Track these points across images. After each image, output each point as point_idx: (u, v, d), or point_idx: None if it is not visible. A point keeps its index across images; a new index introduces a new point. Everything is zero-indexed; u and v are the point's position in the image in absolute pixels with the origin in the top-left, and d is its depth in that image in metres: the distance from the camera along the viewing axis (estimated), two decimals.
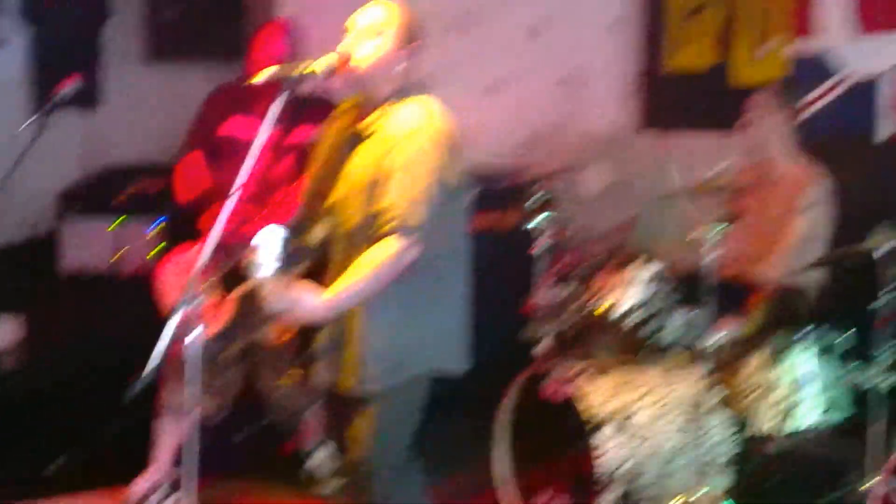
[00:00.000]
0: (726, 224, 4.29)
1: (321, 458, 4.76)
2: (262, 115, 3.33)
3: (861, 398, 4.32)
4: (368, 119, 3.46)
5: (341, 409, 3.56)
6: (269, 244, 3.24)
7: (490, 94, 6.64)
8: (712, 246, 4.17)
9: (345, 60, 3.42)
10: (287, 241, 3.28)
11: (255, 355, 4.61)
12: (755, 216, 4.94)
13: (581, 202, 5.96)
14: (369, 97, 3.47)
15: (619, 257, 4.56)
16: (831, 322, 4.51)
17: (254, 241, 3.25)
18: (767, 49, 5.80)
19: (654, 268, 4.50)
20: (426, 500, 3.62)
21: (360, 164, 3.45)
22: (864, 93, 5.36)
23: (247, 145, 3.33)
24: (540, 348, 4.53)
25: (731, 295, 4.78)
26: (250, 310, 3.96)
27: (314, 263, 3.59)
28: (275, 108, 3.29)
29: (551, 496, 4.42)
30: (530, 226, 4.95)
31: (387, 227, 3.32)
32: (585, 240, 5.31)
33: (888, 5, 5.28)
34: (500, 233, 5.74)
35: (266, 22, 5.16)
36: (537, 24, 6.65)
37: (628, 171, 6.16)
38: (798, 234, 4.80)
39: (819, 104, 5.53)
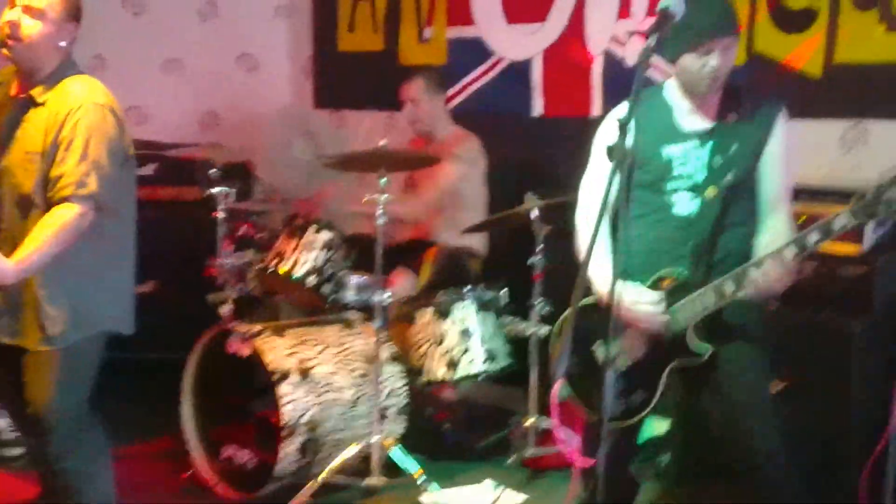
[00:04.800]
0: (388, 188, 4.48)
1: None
2: None
3: (522, 347, 4.70)
4: (35, 90, 3.52)
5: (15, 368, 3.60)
6: None
7: (165, 73, 6.71)
8: (383, 211, 4.38)
9: (6, 33, 3.48)
10: None
11: None
12: (421, 183, 5.36)
13: (260, 175, 6.14)
14: (32, 69, 3.54)
15: (296, 224, 4.76)
16: (493, 278, 4.89)
17: None
18: (430, 34, 6.20)
19: (329, 234, 4.70)
20: (106, 457, 3.74)
21: (31, 132, 3.50)
22: (518, 75, 5.82)
23: None
24: (223, 309, 4.66)
25: (408, 253, 5.13)
26: None
27: None
28: None
29: (236, 448, 4.59)
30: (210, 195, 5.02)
31: (64, 193, 3.41)
32: (267, 209, 5.52)
33: (528, 1, 5.78)
34: (186, 203, 5.83)
35: None
36: (207, 6, 6.79)
37: (304, 146, 6.40)
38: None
39: (478, 84, 5.96)
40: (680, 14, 3.03)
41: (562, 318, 3.64)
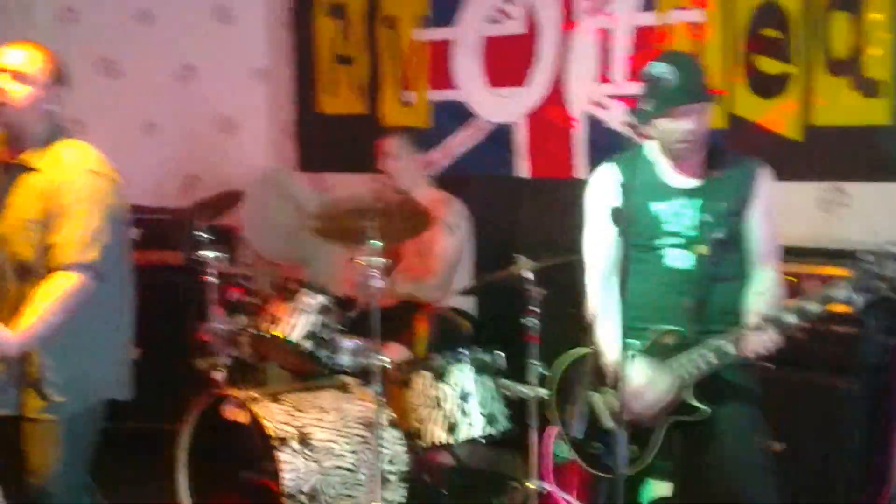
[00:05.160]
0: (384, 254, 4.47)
1: None
2: None
3: (520, 409, 4.69)
4: (27, 155, 3.57)
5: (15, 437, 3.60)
6: None
7: (144, 136, 6.74)
8: (373, 274, 4.38)
9: None
10: None
11: None
12: (406, 246, 5.41)
13: (248, 238, 6.17)
14: (20, 134, 3.59)
15: (289, 287, 4.77)
16: (487, 341, 4.90)
17: None
18: (412, 97, 6.29)
19: (322, 297, 4.74)
20: None
21: (26, 199, 3.54)
22: (502, 137, 5.93)
23: None
24: (216, 375, 4.67)
25: (399, 317, 5.16)
26: None
27: None
28: None
29: None
30: (197, 260, 5.03)
31: (65, 261, 3.44)
32: (254, 272, 5.55)
33: (509, 66, 5.90)
34: (168, 268, 5.84)
35: None
36: (187, 69, 6.84)
37: (286, 209, 6.45)
38: (441, 256, 5.30)
39: (462, 147, 6.06)
40: (674, 81, 3.19)
41: (551, 374, 3.75)
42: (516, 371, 4.73)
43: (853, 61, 4.69)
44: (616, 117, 5.45)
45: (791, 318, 3.22)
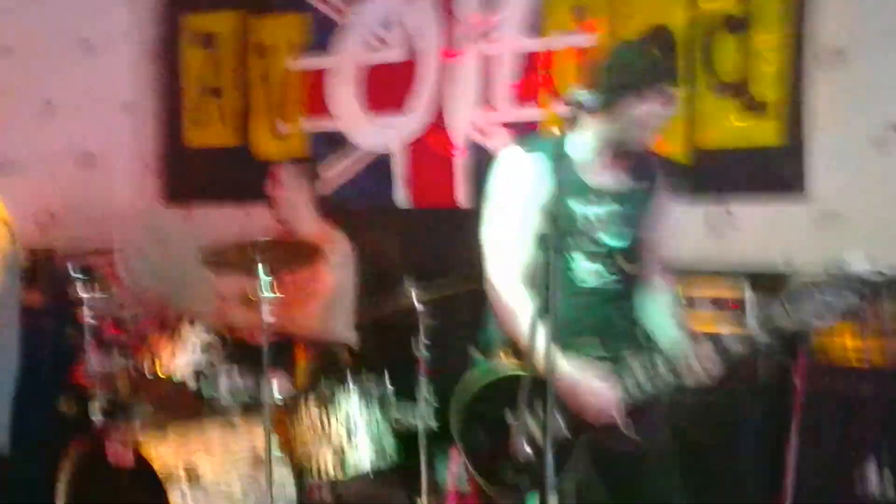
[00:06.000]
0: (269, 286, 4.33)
1: None
2: None
3: (412, 439, 4.57)
4: None
5: None
6: None
7: (3, 175, 6.43)
8: (257, 307, 4.25)
9: None
10: None
11: None
12: (291, 278, 5.24)
13: (118, 276, 5.91)
14: None
15: (167, 323, 4.60)
16: (370, 372, 4.74)
17: None
18: (288, 127, 6.13)
19: (204, 333, 4.57)
20: None
21: None
22: (382, 167, 5.81)
23: None
24: (95, 417, 4.43)
25: (280, 351, 4.98)
26: None
27: None
28: None
29: None
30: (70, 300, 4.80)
31: None
32: (129, 310, 5.30)
33: (389, 94, 5.81)
34: (30, 310, 5.54)
35: None
36: (47, 104, 6.55)
37: (158, 243, 6.22)
38: (325, 288, 5.15)
39: (342, 178, 5.92)
40: (594, 108, 3.01)
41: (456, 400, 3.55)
42: (404, 402, 4.61)
43: (741, 83, 4.74)
44: (501, 144, 5.39)
45: (737, 346, 3.12)
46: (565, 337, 3.09)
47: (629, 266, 3.28)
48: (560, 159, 3.17)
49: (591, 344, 3.25)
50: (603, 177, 3.30)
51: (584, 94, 2.94)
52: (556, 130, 3.25)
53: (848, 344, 4.16)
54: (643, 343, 3.27)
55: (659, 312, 3.40)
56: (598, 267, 3.27)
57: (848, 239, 4.46)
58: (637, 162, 3.33)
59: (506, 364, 3.38)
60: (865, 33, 4.62)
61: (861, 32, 4.63)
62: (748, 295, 3.86)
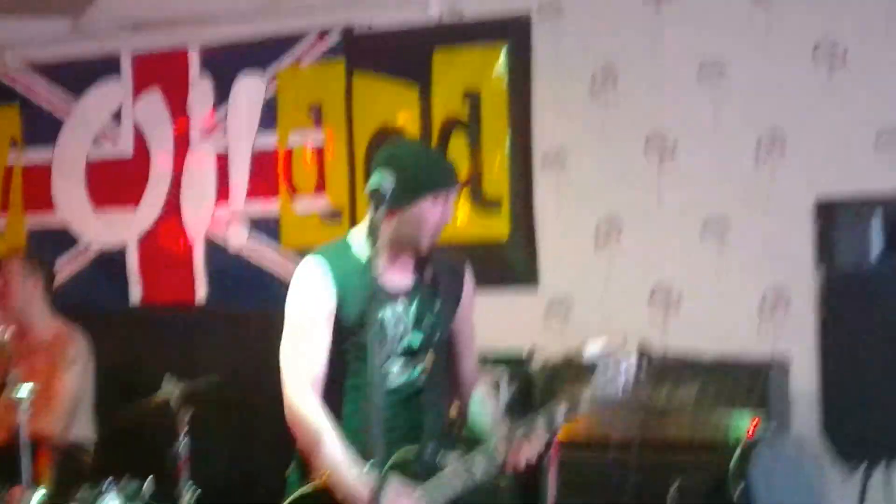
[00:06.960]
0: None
1: None
2: None
3: None
4: None
5: None
6: None
7: None
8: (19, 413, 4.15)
9: None
10: None
11: None
12: (26, 379, 5.05)
13: None
14: None
15: None
16: (130, 472, 4.62)
17: None
18: (6, 222, 5.94)
19: None
20: None
21: None
22: (112, 263, 5.73)
23: None
24: None
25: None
26: None
27: None
28: None
29: None
30: None
31: None
32: None
33: (117, 189, 5.77)
34: None
35: None
36: None
37: None
38: (65, 390, 5.02)
39: (68, 275, 5.78)
40: (389, 190, 3.08)
41: None
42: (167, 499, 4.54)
43: (473, 179, 5.04)
44: (238, 240, 5.47)
45: (544, 429, 3.22)
46: (372, 444, 2.96)
47: (434, 363, 3.28)
48: (350, 264, 3.20)
49: (403, 449, 3.19)
50: (394, 276, 3.27)
51: (386, 187, 3.06)
52: (343, 236, 3.34)
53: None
54: (459, 439, 3.35)
55: (475, 405, 3.43)
56: (402, 367, 3.25)
57: (579, 325, 4.83)
58: (424, 261, 3.32)
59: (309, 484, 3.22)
60: (581, 137, 5.04)
61: (577, 136, 5.05)
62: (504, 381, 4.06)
